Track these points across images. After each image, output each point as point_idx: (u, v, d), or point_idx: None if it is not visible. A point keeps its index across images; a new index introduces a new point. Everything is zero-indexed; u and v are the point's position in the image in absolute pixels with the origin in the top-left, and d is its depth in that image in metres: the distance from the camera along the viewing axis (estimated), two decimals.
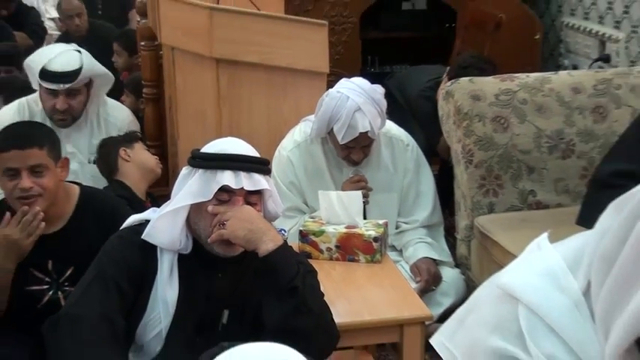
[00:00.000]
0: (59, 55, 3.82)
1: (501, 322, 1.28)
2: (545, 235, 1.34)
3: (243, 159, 2.42)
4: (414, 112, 4.55)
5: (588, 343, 1.22)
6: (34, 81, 3.91)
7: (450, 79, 4.11)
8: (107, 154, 3.74)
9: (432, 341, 1.35)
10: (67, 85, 3.76)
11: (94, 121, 4.00)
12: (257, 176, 2.42)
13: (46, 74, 3.77)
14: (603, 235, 1.21)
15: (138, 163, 3.72)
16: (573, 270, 1.27)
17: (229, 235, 2.35)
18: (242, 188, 2.38)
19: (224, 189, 2.38)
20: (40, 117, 3.89)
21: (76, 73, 3.76)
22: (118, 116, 4.09)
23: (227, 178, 2.36)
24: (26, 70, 4.02)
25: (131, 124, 4.11)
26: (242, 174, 2.39)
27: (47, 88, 3.81)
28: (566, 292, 1.26)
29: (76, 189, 3.08)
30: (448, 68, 4.40)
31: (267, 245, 2.36)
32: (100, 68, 3.99)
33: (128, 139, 3.80)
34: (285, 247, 2.43)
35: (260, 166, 2.45)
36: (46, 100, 3.85)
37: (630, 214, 1.17)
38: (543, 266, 1.29)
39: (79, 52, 3.93)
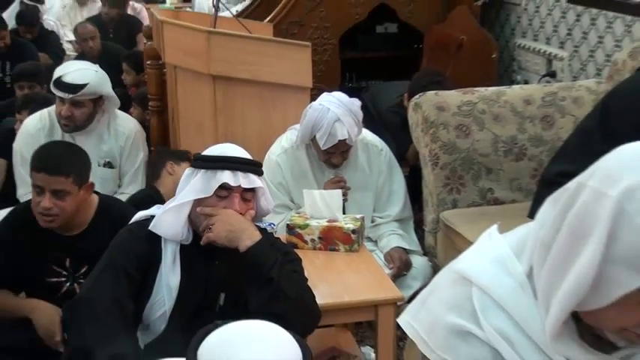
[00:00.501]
0: (76, 70, 3.81)
1: (457, 301, 1.28)
2: (495, 226, 1.34)
3: (240, 161, 2.43)
4: (384, 123, 4.54)
5: (532, 318, 1.22)
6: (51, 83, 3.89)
7: (409, 97, 4.10)
8: (155, 161, 3.74)
9: (399, 320, 1.36)
10: (70, 96, 3.73)
11: (104, 130, 3.96)
12: (252, 176, 2.43)
13: (58, 83, 3.75)
14: (542, 225, 1.22)
15: (176, 180, 3.69)
16: (518, 256, 1.28)
17: (214, 237, 2.38)
18: (239, 186, 2.39)
19: (223, 187, 2.39)
20: (57, 125, 3.88)
21: (81, 87, 3.72)
22: (127, 126, 4.06)
23: (226, 176, 2.38)
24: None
25: (137, 133, 4.08)
26: (239, 174, 2.39)
27: (57, 96, 3.79)
28: (513, 275, 1.26)
29: (96, 198, 3.05)
30: (408, 86, 4.39)
31: (245, 242, 2.38)
32: (109, 91, 3.93)
33: (180, 156, 3.77)
34: (262, 242, 2.42)
35: (255, 167, 2.47)
36: (57, 106, 3.83)
37: (563, 208, 1.17)
38: (493, 253, 1.30)
39: (96, 71, 3.89)
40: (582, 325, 1.21)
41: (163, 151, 3.79)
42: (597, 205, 1.11)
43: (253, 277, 2.39)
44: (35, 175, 2.83)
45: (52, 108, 3.93)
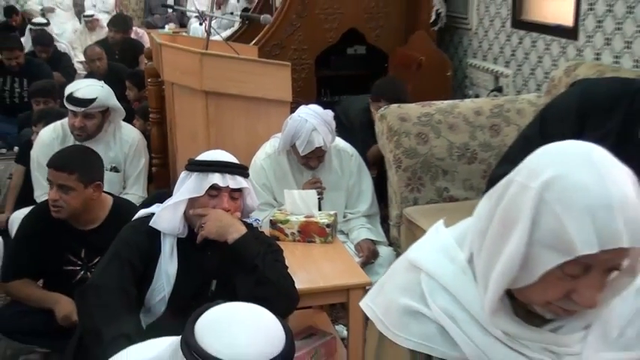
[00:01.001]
0: (85, 87, 3.82)
1: (409, 286, 1.29)
2: (441, 221, 1.36)
3: (228, 165, 2.44)
4: (353, 126, 4.58)
5: (472, 298, 1.23)
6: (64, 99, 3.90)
7: (373, 100, 4.29)
8: None
9: (361, 304, 1.36)
10: (82, 109, 3.74)
11: (110, 138, 3.97)
12: (239, 178, 2.44)
13: (70, 98, 3.75)
14: (479, 218, 1.24)
15: None
16: (460, 245, 1.29)
17: (206, 233, 2.40)
18: (227, 186, 2.41)
19: (213, 187, 2.40)
20: (69, 135, 3.87)
21: (91, 101, 3.73)
22: (130, 135, 4.06)
23: (216, 178, 2.39)
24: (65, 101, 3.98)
25: (140, 142, 4.08)
26: (227, 176, 2.41)
27: (70, 109, 3.80)
28: (455, 261, 1.27)
29: (110, 199, 3.09)
30: (371, 91, 4.49)
31: (232, 235, 2.40)
32: (115, 103, 3.94)
33: None
34: (247, 235, 2.43)
35: (241, 170, 2.48)
36: (69, 119, 3.83)
37: (495, 201, 1.19)
38: (439, 244, 1.31)
39: (102, 86, 3.90)
40: (516, 302, 1.22)
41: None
42: (522, 197, 1.12)
43: (240, 265, 2.40)
44: (48, 171, 2.91)
45: (65, 120, 3.92)
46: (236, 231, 2.42)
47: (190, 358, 1.41)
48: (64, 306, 2.90)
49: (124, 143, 4.01)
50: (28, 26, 8.37)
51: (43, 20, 8.53)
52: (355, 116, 4.62)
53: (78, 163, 2.92)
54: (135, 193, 3.92)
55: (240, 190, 2.47)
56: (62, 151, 3.08)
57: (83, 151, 3.17)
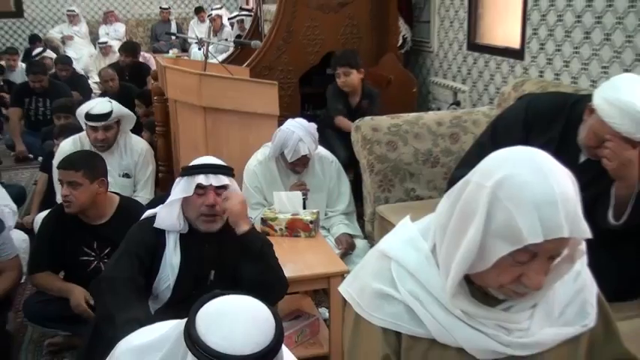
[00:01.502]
0: (97, 104, 3.85)
1: (380, 272, 1.30)
2: (407, 217, 1.36)
3: (211, 166, 2.45)
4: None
5: (435, 282, 1.24)
6: (83, 123, 3.90)
7: (333, 71, 4.58)
8: None
9: (339, 288, 1.37)
10: (102, 123, 3.77)
11: (122, 149, 3.98)
12: (222, 176, 2.44)
13: (89, 116, 3.77)
14: (440, 214, 1.24)
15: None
16: (424, 237, 1.29)
17: (230, 205, 2.43)
18: (211, 184, 2.41)
19: (199, 186, 2.41)
20: (87, 146, 3.87)
21: (109, 114, 3.78)
22: (139, 146, 4.07)
23: (201, 178, 2.41)
24: (77, 117, 4.00)
25: (147, 151, 4.09)
26: (211, 176, 2.42)
27: (90, 126, 3.80)
28: (420, 250, 1.28)
29: (117, 198, 3.10)
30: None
31: (243, 227, 2.45)
32: (125, 110, 3.99)
33: None
34: (254, 228, 2.49)
35: (223, 169, 2.47)
36: (90, 134, 3.83)
37: (454, 199, 1.20)
38: (406, 236, 1.32)
39: (110, 101, 3.95)
40: (473, 285, 1.23)
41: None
42: (478, 194, 1.13)
43: (248, 254, 2.42)
44: (58, 172, 2.97)
45: (82, 134, 3.95)
46: (246, 223, 2.46)
47: (190, 346, 1.41)
48: (77, 295, 2.90)
49: (134, 153, 4.02)
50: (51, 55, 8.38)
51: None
52: (328, 93, 4.71)
53: (83, 162, 2.96)
54: (143, 195, 3.92)
55: (224, 186, 2.46)
56: (69, 155, 3.12)
57: (87, 153, 3.26)
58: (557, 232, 1.09)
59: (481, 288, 1.23)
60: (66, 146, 3.91)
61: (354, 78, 4.51)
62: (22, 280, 3.40)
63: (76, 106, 4.93)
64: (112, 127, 3.87)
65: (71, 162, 2.95)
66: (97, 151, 3.79)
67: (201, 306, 1.46)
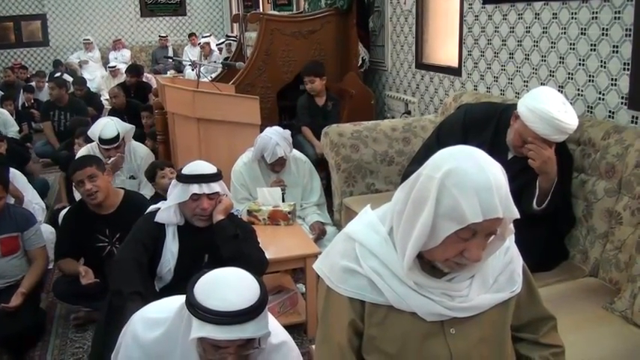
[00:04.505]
0: (104, 127, 3.80)
1: (346, 251, 1.30)
2: (368, 206, 1.37)
3: (204, 176, 2.41)
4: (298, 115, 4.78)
5: (392, 259, 1.24)
6: (96, 144, 3.87)
7: (303, 81, 4.66)
8: (151, 172, 3.63)
9: (313, 266, 1.36)
10: (113, 145, 3.78)
11: (127, 155, 3.96)
12: (213, 184, 2.41)
13: (102, 140, 3.77)
14: (396, 202, 1.25)
15: (165, 178, 3.58)
16: (382, 221, 1.30)
17: (223, 204, 2.46)
18: (204, 193, 2.38)
19: (194, 194, 2.38)
20: (99, 152, 3.83)
21: (118, 137, 3.78)
22: (142, 152, 4.06)
23: (195, 188, 2.37)
24: (90, 136, 3.95)
25: (148, 156, 4.07)
26: (204, 185, 2.39)
27: (104, 148, 3.80)
28: (379, 233, 1.28)
29: (122, 191, 3.10)
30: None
31: (217, 217, 2.43)
32: (127, 125, 3.96)
33: (162, 164, 3.69)
34: (228, 219, 2.45)
35: (214, 178, 2.43)
36: (104, 153, 3.79)
37: (408, 190, 1.20)
38: (366, 220, 1.32)
39: (112, 120, 3.93)
40: (423, 260, 1.24)
41: (152, 164, 3.73)
42: (429, 184, 1.14)
43: (222, 237, 2.40)
44: (76, 175, 2.90)
45: (94, 144, 3.92)
46: (220, 215, 2.45)
47: (194, 312, 1.42)
48: (86, 277, 2.89)
49: (137, 158, 4.00)
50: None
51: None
52: (298, 104, 4.78)
53: (89, 159, 3.00)
54: (146, 192, 3.86)
55: (216, 192, 2.44)
56: (75, 161, 3.11)
57: (86, 155, 3.28)
58: (494, 213, 1.10)
59: (430, 262, 1.24)
60: (84, 152, 3.90)
61: (318, 84, 4.65)
62: (50, 267, 3.37)
63: (90, 123, 4.91)
64: (121, 145, 3.86)
65: (82, 162, 2.97)
66: (113, 170, 3.75)
67: (196, 281, 1.48)
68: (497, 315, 1.30)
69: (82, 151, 3.92)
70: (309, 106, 4.70)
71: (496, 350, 1.30)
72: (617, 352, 1.90)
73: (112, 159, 3.76)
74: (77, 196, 3.60)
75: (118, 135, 3.78)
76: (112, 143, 3.77)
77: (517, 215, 1.15)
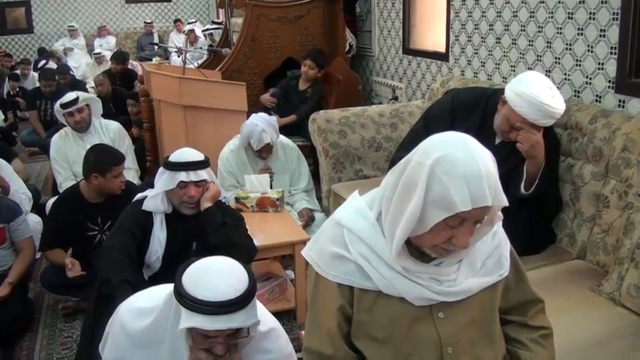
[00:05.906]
0: (65, 97, 3.84)
1: (335, 237, 1.29)
2: (356, 191, 1.36)
3: (191, 164, 2.39)
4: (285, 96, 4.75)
5: (380, 245, 1.24)
6: (61, 117, 3.89)
7: (302, 60, 4.65)
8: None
9: (302, 252, 1.36)
10: (74, 106, 3.79)
11: (99, 130, 3.99)
12: (200, 171, 2.39)
13: (63, 105, 3.80)
14: (385, 188, 1.24)
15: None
16: (370, 207, 1.29)
17: (210, 193, 2.45)
18: (191, 180, 2.36)
19: (181, 181, 2.36)
20: (72, 135, 3.90)
21: (77, 99, 3.81)
22: (112, 126, 4.07)
23: (182, 176, 2.36)
24: (56, 113, 3.97)
25: (119, 128, 4.08)
26: (191, 172, 2.37)
27: (67, 112, 3.82)
28: (367, 219, 1.27)
29: None
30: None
31: (205, 205, 2.41)
32: (90, 95, 4.06)
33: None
34: (215, 207, 2.45)
35: (201, 165, 2.41)
36: (69, 120, 3.85)
37: (397, 176, 1.20)
38: (354, 206, 1.31)
39: (73, 90, 4.09)
40: (411, 246, 1.24)
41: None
42: (418, 171, 1.13)
43: (210, 224, 2.39)
44: (113, 170, 2.89)
45: (66, 127, 3.94)
46: (208, 203, 2.44)
47: (182, 302, 1.41)
48: (73, 270, 2.87)
49: (109, 132, 4.02)
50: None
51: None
52: (286, 84, 4.79)
53: (121, 155, 3.05)
54: (127, 164, 3.75)
55: (203, 180, 2.43)
56: (109, 154, 3.00)
57: (116, 150, 3.19)
58: (483, 201, 1.10)
59: (418, 248, 1.24)
60: (56, 139, 3.92)
61: (313, 74, 4.67)
62: (37, 257, 3.35)
63: None
64: (84, 109, 3.86)
65: (119, 157, 2.98)
66: (79, 132, 3.84)
67: (184, 270, 1.47)
68: (486, 298, 1.30)
69: (56, 137, 3.93)
70: (287, 87, 4.75)
71: (485, 333, 1.31)
72: (604, 334, 1.92)
73: None
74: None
75: (77, 98, 3.82)
76: (72, 105, 3.79)
77: (506, 203, 1.15)
